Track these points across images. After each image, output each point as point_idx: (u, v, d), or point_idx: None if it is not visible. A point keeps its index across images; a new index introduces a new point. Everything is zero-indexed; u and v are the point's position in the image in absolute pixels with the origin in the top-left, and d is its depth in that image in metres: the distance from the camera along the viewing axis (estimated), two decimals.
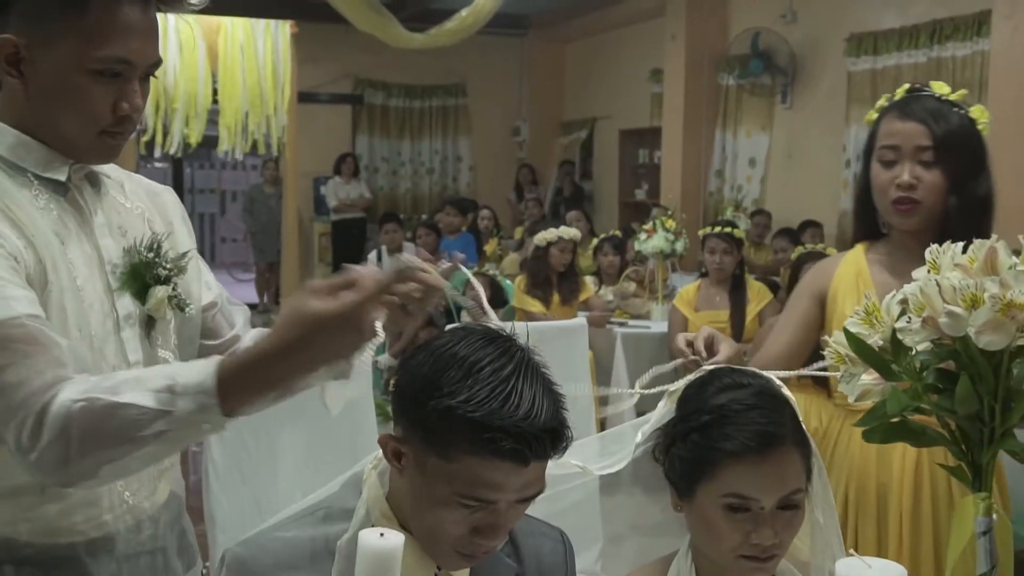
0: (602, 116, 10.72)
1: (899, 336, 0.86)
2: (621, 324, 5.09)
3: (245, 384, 1.08)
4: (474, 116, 11.69)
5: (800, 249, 4.00)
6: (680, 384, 1.49)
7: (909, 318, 0.85)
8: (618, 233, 6.23)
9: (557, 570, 1.37)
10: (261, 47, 7.79)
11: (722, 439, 1.34)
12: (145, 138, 7.74)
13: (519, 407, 1.11)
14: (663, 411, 1.48)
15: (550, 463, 1.49)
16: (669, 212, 5.53)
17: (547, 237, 5.25)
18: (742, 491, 1.32)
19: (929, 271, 0.85)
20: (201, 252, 1.66)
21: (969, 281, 0.80)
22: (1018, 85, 5.43)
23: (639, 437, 1.51)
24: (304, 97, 9.67)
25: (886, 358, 0.89)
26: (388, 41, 7.27)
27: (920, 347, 0.86)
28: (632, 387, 4.37)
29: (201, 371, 1.08)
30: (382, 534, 0.86)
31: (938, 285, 0.82)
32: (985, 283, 0.78)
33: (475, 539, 1.16)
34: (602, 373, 4.95)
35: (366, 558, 0.86)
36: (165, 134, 7.66)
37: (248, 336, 1.51)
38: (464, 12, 7.50)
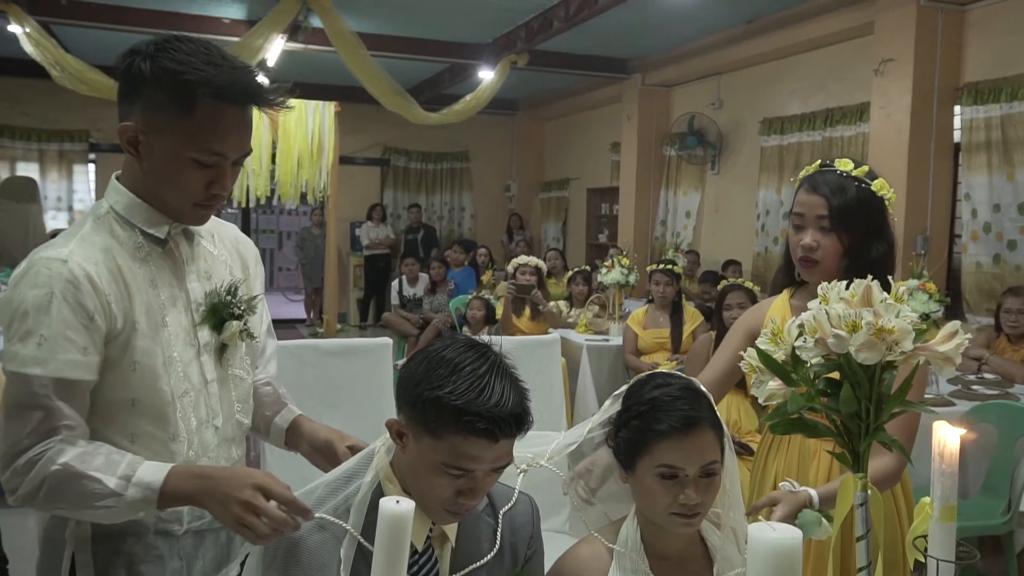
0: (574, 177, 10.76)
1: (797, 352, 0.87)
2: (588, 339, 5.09)
3: (178, 496, 1.16)
4: (475, 176, 11.72)
5: (725, 281, 4.02)
6: (622, 388, 1.50)
7: (805, 339, 0.85)
8: (587, 268, 6.23)
9: (526, 527, 1.38)
10: (311, 121, 7.79)
11: (655, 423, 1.35)
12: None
13: (491, 397, 1.13)
14: (611, 407, 1.49)
15: (530, 450, 1.50)
16: (624, 252, 5.54)
17: (516, 262, 5.67)
18: (671, 462, 1.33)
19: (820, 303, 0.86)
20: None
21: (850, 311, 0.81)
22: (890, 158, 5.48)
23: (590, 424, 1.52)
24: (344, 160, 9.64)
25: (787, 369, 0.89)
26: (409, 118, 7.30)
27: (813, 361, 0.87)
28: (594, 388, 4.37)
29: (155, 473, 1.15)
30: (398, 501, 0.86)
31: (827, 314, 0.82)
32: (862, 312, 0.79)
33: (459, 499, 1.18)
34: (572, 375, 4.94)
35: (385, 520, 0.85)
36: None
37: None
38: (468, 97, 7.56)
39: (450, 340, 1.22)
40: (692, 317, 4.86)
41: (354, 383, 2.56)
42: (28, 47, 5.69)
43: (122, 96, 1.25)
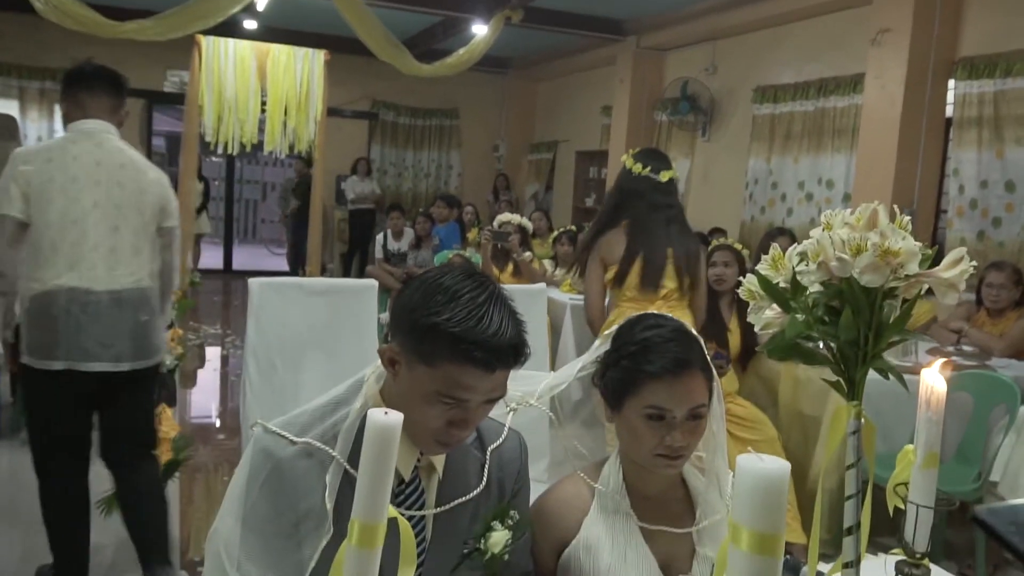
0: (563, 140, 10.68)
1: (798, 278, 0.85)
2: (572, 299, 5.07)
3: None
4: (464, 134, 11.60)
5: (714, 242, 4.02)
6: (613, 328, 1.48)
7: (807, 263, 0.84)
8: (572, 228, 6.20)
9: (514, 463, 1.36)
10: (300, 69, 7.66)
11: (645, 363, 1.34)
12: (211, 140, 7.60)
13: (489, 326, 1.10)
14: (599, 346, 1.48)
15: (519, 389, 1.49)
16: None
17: (499, 219, 5.75)
18: (659, 403, 1.32)
19: (823, 230, 0.84)
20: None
21: (855, 235, 0.79)
22: (883, 129, 5.48)
23: (580, 364, 1.51)
24: (332, 112, 9.51)
25: (786, 296, 0.88)
26: (402, 69, 7.18)
27: (813, 288, 0.85)
28: (575, 347, 4.38)
29: None
30: (386, 412, 0.84)
31: (831, 238, 0.81)
32: (868, 235, 0.77)
33: (450, 430, 1.16)
34: (555, 335, 4.94)
35: (373, 430, 0.84)
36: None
37: None
38: (461, 51, 7.45)
39: (447, 268, 1.19)
40: None
41: (338, 323, 2.53)
42: None
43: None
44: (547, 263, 5.78)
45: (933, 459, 1.29)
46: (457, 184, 11.59)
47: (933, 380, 1.28)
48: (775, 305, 0.91)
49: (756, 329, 0.94)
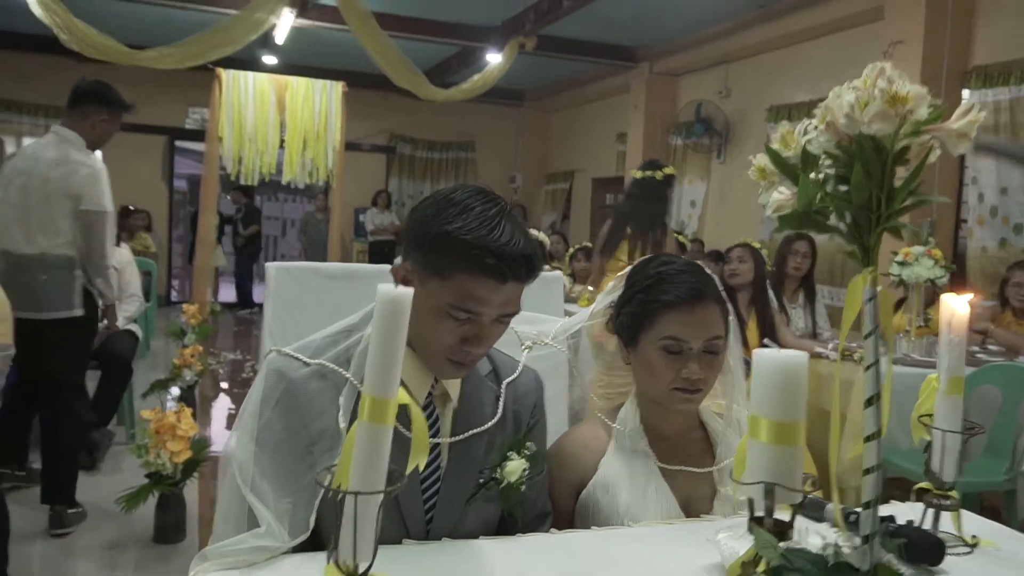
0: (579, 169, 10.75)
1: (807, 147, 0.85)
2: None
3: None
4: (480, 166, 11.71)
5: None
6: (625, 270, 1.48)
7: (816, 127, 0.83)
8: (588, 244, 6.22)
9: (529, 396, 1.35)
10: (318, 100, 7.80)
11: (660, 294, 1.34)
12: (232, 173, 7.73)
13: (502, 236, 1.11)
14: (613, 290, 1.47)
15: (534, 328, 1.48)
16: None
17: None
18: (676, 334, 1.31)
19: (827, 105, 0.84)
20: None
21: (862, 92, 0.79)
22: None
23: (593, 308, 1.50)
24: (350, 146, 9.65)
25: (797, 170, 0.87)
26: (419, 95, 7.29)
27: (823, 162, 0.85)
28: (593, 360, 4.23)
29: None
30: (396, 286, 0.84)
31: (839, 99, 0.81)
32: (875, 84, 0.77)
33: (464, 347, 1.15)
34: (571, 349, 4.91)
35: (384, 301, 0.83)
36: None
37: None
38: (476, 77, 7.57)
39: (458, 185, 1.20)
40: None
41: (355, 308, 2.54)
42: (37, 10, 5.69)
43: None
44: (565, 279, 5.79)
45: (957, 384, 1.27)
46: None
47: (955, 304, 1.26)
48: (784, 189, 0.91)
49: (767, 213, 0.93)
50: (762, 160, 0.89)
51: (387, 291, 0.83)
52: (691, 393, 1.33)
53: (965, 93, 5.42)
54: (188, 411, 2.96)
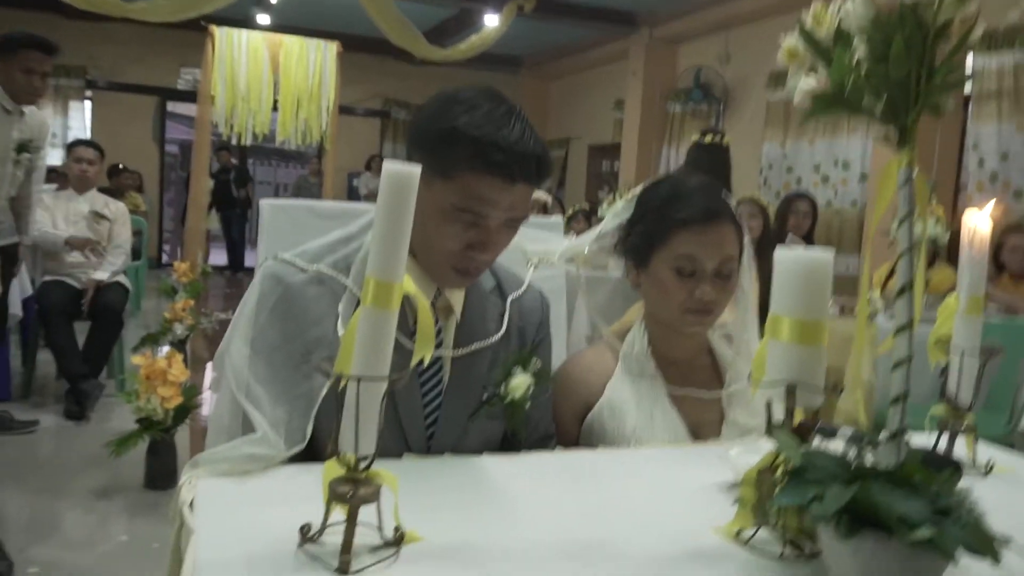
0: (575, 136, 10.66)
1: (843, 23, 0.80)
2: (588, 274, 5.01)
3: None
4: None
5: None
6: (636, 189, 1.44)
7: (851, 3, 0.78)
8: (586, 206, 6.19)
9: (535, 313, 1.30)
10: (312, 60, 7.69)
11: (674, 211, 1.29)
12: (225, 133, 7.63)
13: (511, 133, 1.06)
14: (623, 211, 1.43)
15: (540, 247, 1.43)
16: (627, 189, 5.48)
17: None
18: (689, 252, 1.27)
19: None
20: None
21: None
22: None
23: (599, 230, 1.46)
24: (344, 110, 9.55)
25: (828, 52, 0.82)
26: (415, 53, 7.19)
27: (856, 44, 0.79)
28: (588, 322, 4.21)
29: None
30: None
31: None
32: None
33: (468, 253, 1.10)
34: (568, 312, 4.88)
35: (388, 178, 0.78)
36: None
37: None
38: (473, 37, 7.47)
39: (465, 86, 1.14)
40: None
41: None
42: None
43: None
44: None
45: (977, 304, 1.23)
46: None
47: (976, 221, 1.22)
48: (813, 74, 0.85)
49: (795, 102, 0.88)
50: (792, 42, 0.84)
51: (393, 168, 0.78)
52: (703, 315, 1.29)
53: (968, 56, 5.35)
54: (179, 356, 2.91)
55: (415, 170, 0.78)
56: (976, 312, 1.22)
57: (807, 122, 0.86)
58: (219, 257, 10.91)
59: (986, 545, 0.70)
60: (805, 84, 0.88)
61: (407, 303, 1.11)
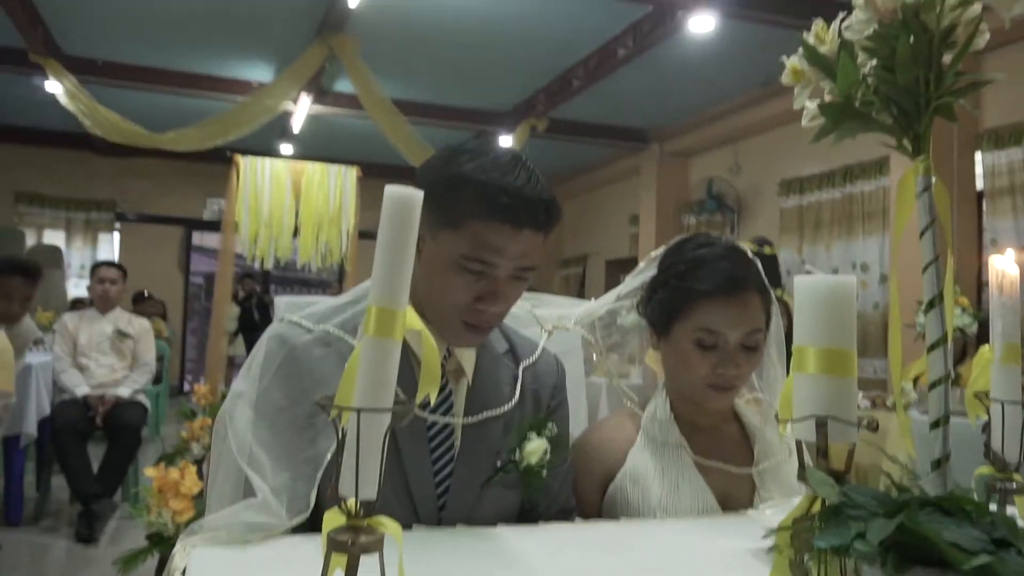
0: (592, 252, 10.77)
1: (845, 35, 0.79)
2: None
3: None
4: None
5: None
6: (660, 250, 1.41)
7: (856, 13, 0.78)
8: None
9: (550, 376, 1.25)
10: (333, 185, 7.93)
11: (696, 281, 1.25)
12: (248, 257, 7.78)
13: (517, 179, 1.05)
14: (644, 270, 1.40)
15: (555, 312, 1.40)
16: None
17: None
18: (711, 326, 1.22)
19: None
20: None
21: None
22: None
23: (619, 291, 1.42)
24: (364, 234, 9.76)
25: (832, 66, 0.81)
26: None
27: (862, 48, 0.79)
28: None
29: None
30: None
31: None
32: None
33: (478, 305, 1.07)
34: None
35: (391, 201, 0.76)
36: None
37: None
38: None
39: (467, 140, 1.14)
40: None
41: None
42: (64, 99, 5.87)
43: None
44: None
45: (1014, 352, 1.17)
46: None
47: (1003, 265, 1.18)
48: (816, 95, 0.84)
49: (803, 123, 0.87)
50: (795, 60, 0.83)
51: (395, 190, 0.77)
52: (725, 391, 1.23)
53: (977, 156, 5.42)
54: (192, 468, 2.84)
55: (418, 193, 0.77)
56: (1014, 361, 1.16)
57: (819, 140, 0.82)
58: None
59: None
60: (812, 106, 0.87)
61: (410, 353, 1.07)
